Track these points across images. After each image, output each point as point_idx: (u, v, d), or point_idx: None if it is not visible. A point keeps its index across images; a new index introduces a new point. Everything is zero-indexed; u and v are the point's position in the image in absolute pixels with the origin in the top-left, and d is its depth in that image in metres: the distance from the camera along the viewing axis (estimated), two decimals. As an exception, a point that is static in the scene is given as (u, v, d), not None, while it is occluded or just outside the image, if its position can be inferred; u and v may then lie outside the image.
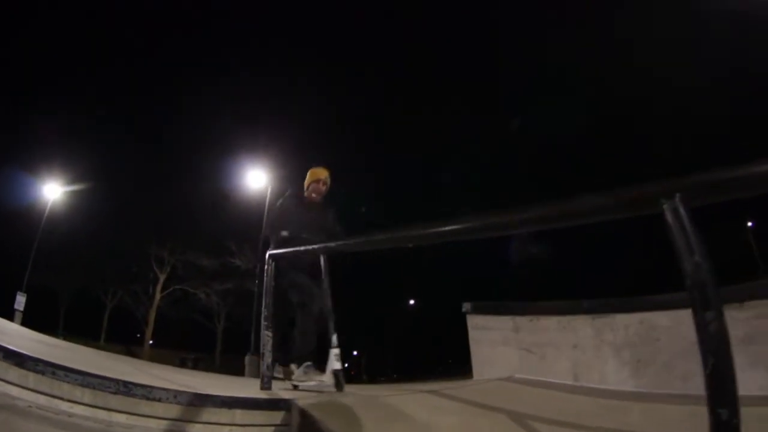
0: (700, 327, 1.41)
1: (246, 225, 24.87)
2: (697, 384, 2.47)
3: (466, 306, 4.76)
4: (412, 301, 41.93)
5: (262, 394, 3.04)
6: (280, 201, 4.92)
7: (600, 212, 1.66)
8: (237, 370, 14.67)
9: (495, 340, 4.48)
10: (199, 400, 2.32)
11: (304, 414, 2.32)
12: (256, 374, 13.08)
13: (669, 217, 1.48)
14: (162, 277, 29.28)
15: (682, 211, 1.46)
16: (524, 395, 3.53)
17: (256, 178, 21.55)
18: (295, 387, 3.93)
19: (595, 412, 2.82)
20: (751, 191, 1.49)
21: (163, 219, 27.84)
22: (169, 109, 37.59)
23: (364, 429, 2.15)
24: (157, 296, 29.12)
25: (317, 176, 4.88)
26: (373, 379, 32.41)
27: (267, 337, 3.79)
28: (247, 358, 14.97)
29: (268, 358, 3.69)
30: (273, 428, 2.45)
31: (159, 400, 2.22)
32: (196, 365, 23.42)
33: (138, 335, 30.95)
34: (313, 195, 4.83)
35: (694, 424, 1.53)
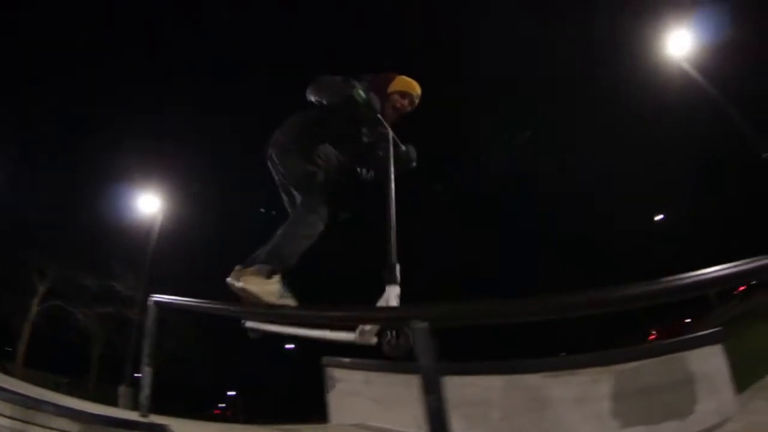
0: (426, 404, 2.05)
1: (133, 249, 24.35)
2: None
3: (325, 359, 5.23)
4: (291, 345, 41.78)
5: (143, 419, 3.54)
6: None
7: (374, 320, 2.58)
8: (110, 399, 13.93)
9: (349, 391, 4.97)
10: (94, 419, 2.95)
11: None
12: (129, 406, 12.90)
13: (416, 332, 2.16)
14: (41, 290, 27.38)
15: (425, 329, 2.14)
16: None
17: (148, 203, 21.40)
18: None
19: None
20: (473, 322, 2.42)
21: (48, 228, 26.58)
22: (67, 124, 35.73)
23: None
24: (34, 310, 27.13)
25: (409, 88, 3.66)
26: (250, 419, 31.78)
27: (147, 372, 4.03)
28: (121, 389, 14.75)
29: (146, 391, 3.93)
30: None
31: (64, 416, 2.84)
32: (72, 391, 22.21)
33: (8, 349, 28.51)
34: (391, 110, 3.62)
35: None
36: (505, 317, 2.37)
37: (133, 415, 3.82)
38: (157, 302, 4.13)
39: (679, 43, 18.95)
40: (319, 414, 5.40)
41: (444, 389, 2.12)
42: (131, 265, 25.43)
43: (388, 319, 2.50)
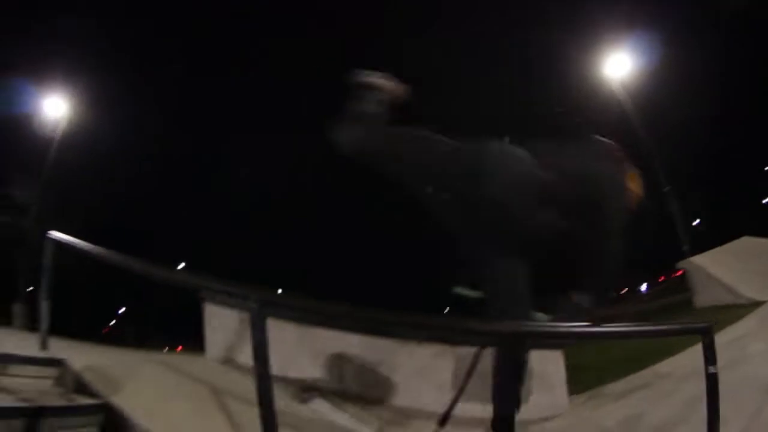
0: (252, 337, 2.50)
1: (34, 157, 23.25)
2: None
3: (203, 293, 5.21)
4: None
5: (42, 355, 3.69)
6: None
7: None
8: (4, 317, 13.50)
9: (224, 327, 5.10)
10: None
11: (72, 371, 3.22)
12: (25, 325, 12.66)
13: (252, 314, 2.49)
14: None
15: (259, 312, 2.50)
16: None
17: (53, 106, 20.54)
18: None
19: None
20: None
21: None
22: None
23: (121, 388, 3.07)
24: None
25: (638, 190, 3.10)
26: (140, 341, 31.49)
27: (44, 306, 4.07)
28: (16, 307, 14.26)
29: (44, 325, 4.02)
30: (51, 381, 3.20)
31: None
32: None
33: None
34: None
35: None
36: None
37: (31, 347, 3.91)
38: (54, 240, 4.01)
39: (617, 66, 20.52)
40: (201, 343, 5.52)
41: (266, 330, 2.52)
42: (30, 172, 24.24)
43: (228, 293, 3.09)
